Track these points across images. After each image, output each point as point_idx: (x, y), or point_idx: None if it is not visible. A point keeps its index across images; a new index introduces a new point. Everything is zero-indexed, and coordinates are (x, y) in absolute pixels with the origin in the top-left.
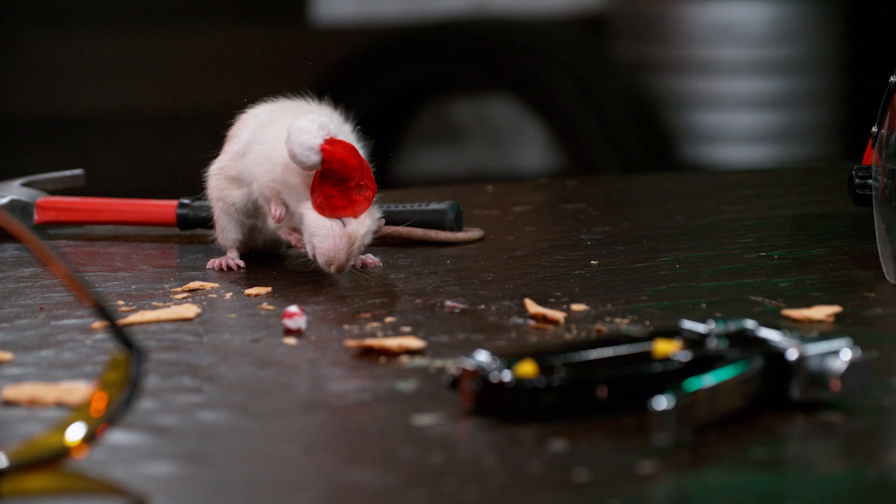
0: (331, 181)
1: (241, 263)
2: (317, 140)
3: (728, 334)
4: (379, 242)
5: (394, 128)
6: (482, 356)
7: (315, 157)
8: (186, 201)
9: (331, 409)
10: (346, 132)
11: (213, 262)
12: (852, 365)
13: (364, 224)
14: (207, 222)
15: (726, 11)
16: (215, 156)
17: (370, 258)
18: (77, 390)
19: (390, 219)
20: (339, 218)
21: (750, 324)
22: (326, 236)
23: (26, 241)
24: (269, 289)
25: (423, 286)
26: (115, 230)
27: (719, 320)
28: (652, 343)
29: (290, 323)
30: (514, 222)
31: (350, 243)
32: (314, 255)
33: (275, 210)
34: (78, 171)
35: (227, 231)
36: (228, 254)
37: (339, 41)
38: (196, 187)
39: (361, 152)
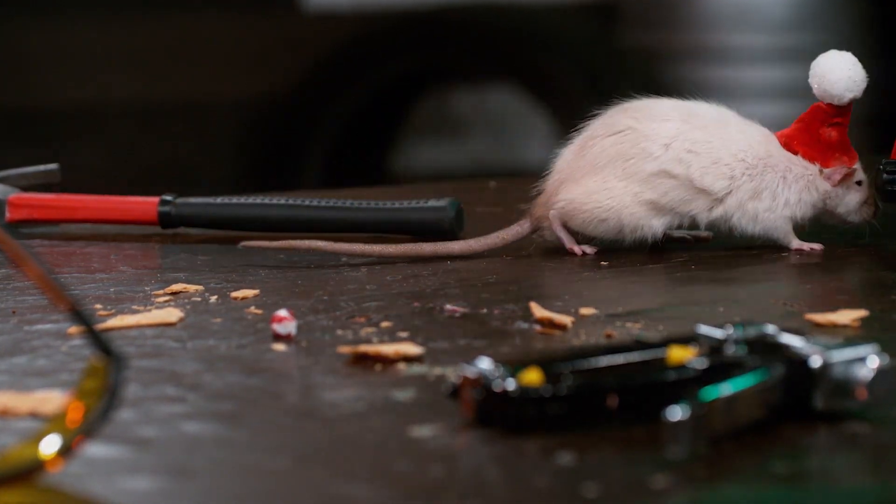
0: (840, 129)
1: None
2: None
3: (747, 340)
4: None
5: (390, 120)
6: (484, 363)
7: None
8: (169, 198)
9: (323, 419)
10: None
11: (574, 247)
12: (879, 373)
13: None
14: (190, 221)
15: None
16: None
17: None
18: (52, 400)
19: (387, 217)
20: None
21: (770, 329)
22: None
23: None
24: (256, 291)
25: (421, 288)
26: (92, 229)
27: (738, 325)
28: (666, 349)
29: (280, 328)
30: (518, 220)
31: None
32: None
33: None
34: (53, 167)
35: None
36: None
37: (332, 28)
38: (179, 183)
39: None
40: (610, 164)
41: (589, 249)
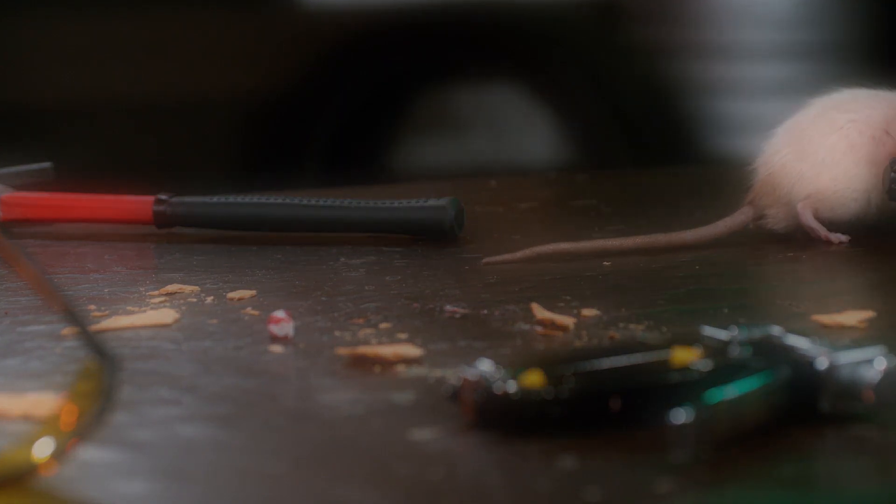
0: None
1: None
2: None
3: (752, 341)
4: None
5: (390, 118)
6: (485, 365)
7: None
8: (164, 197)
9: (321, 422)
10: None
11: (830, 235)
12: (887, 375)
13: None
14: (186, 220)
15: None
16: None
17: None
18: (45, 402)
19: (387, 217)
20: None
21: (776, 330)
22: None
23: None
24: (253, 292)
25: (420, 289)
26: (86, 228)
27: (742, 326)
28: (669, 351)
29: (277, 329)
30: (519, 220)
31: None
32: None
33: None
34: (46, 165)
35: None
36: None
37: (331, 25)
38: (175, 182)
39: None
40: (845, 154)
41: (844, 238)
